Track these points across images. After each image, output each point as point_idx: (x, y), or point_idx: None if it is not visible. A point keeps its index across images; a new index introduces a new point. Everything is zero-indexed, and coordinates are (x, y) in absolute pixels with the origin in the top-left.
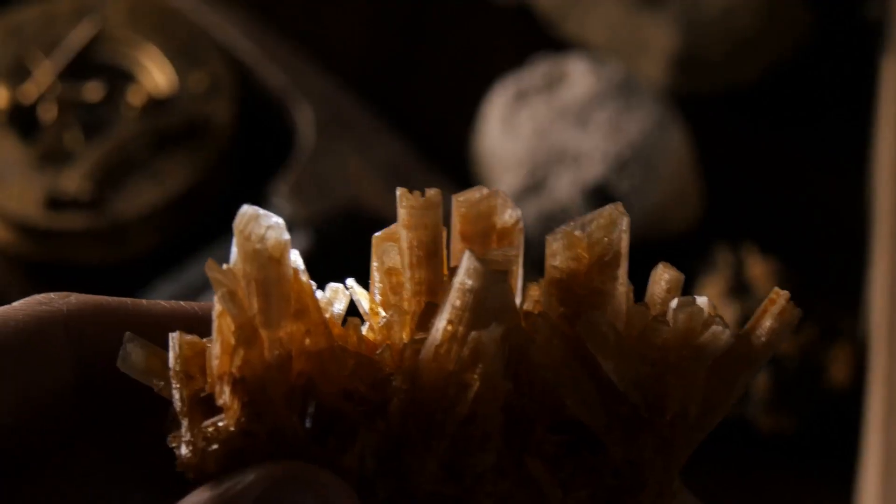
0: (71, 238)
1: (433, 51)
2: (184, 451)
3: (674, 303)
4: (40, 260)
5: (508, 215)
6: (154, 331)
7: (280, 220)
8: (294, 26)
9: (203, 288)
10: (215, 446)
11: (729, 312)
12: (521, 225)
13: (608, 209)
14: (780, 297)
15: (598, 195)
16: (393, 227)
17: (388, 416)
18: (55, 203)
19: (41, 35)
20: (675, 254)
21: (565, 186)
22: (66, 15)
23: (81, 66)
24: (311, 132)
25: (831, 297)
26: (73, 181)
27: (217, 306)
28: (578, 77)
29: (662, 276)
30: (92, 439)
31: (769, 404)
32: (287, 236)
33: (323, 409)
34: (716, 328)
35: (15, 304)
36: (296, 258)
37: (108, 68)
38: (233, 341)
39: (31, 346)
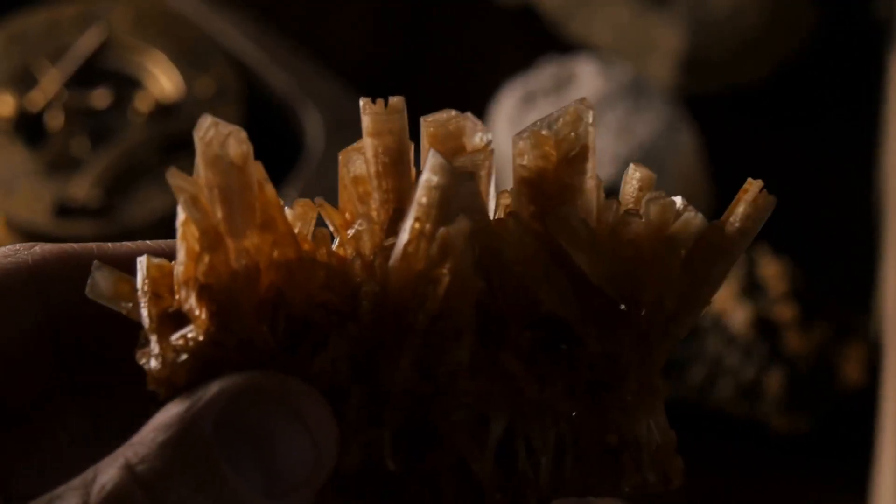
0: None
1: (437, 53)
2: (153, 364)
3: (646, 198)
4: None
5: (479, 137)
6: (123, 270)
7: (242, 130)
8: (297, 30)
9: None
10: (184, 356)
11: (743, 312)
12: (491, 147)
13: (573, 104)
14: (753, 185)
15: (609, 196)
16: (360, 141)
17: (359, 319)
18: (64, 210)
19: (46, 42)
20: None
21: None
22: (70, 22)
23: (88, 73)
24: (319, 137)
25: (844, 296)
26: (81, 188)
27: (180, 214)
28: (587, 78)
29: (634, 175)
30: (70, 393)
31: (783, 404)
32: (249, 146)
33: (293, 320)
34: (687, 214)
35: None
36: (260, 169)
37: (114, 75)
38: (197, 247)
39: None
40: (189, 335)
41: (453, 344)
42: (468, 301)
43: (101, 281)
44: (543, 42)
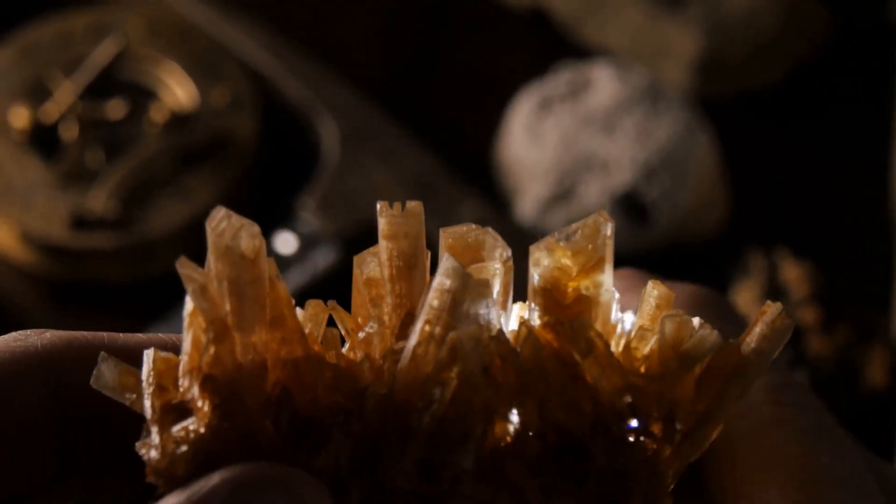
0: (97, 257)
1: (448, 59)
2: (153, 454)
3: (663, 315)
4: (66, 280)
5: (499, 253)
6: (130, 362)
7: (255, 225)
8: (309, 38)
9: None
10: (184, 448)
11: None
12: (510, 263)
13: (592, 217)
14: (772, 307)
15: (628, 202)
16: (375, 246)
17: (364, 418)
18: (81, 223)
19: (59, 54)
20: (706, 260)
21: (594, 194)
22: (82, 33)
23: (102, 85)
24: (335, 145)
25: (866, 298)
26: (99, 200)
27: (188, 304)
28: (604, 83)
29: (652, 293)
30: (75, 480)
31: None
32: (262, 241)
33: (298, 417)
34: (703, 332)
35: None
36: (272, 266)
37: (128, 86)
38: (203, 338)
39: (4, 381)
40: (190, 427)
41: (458, 448)
42: (475, 406)
43: (106, 372)
44: (555, 47)
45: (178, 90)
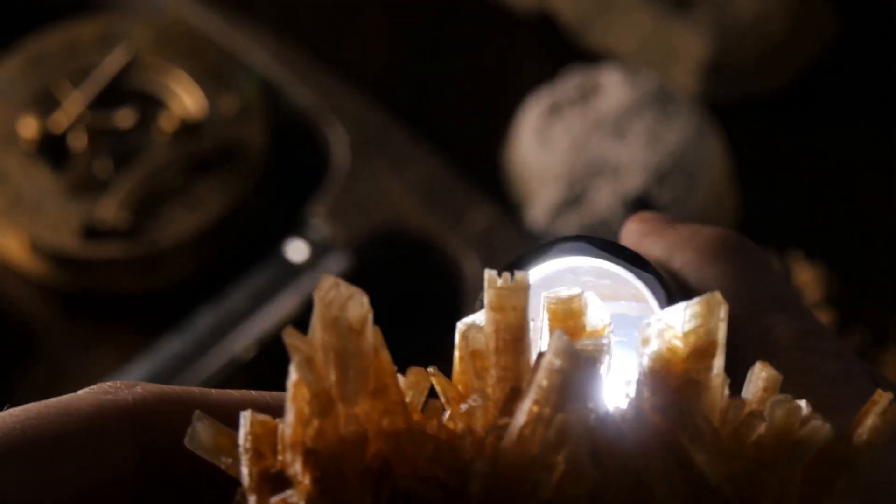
0: (108, 267)
1: (456, 65)
2: None
3: (771, 401)
4: (76, 290)
5: (599, 319)
6: (224, 421)
7: (364, 294)
8: (314, 45)
9: (246, 314)
10: None
11: None
12: (611, 328)
13: (706, 297)
14: (883, 397)
15: (640, 206)
16: (478, 312)
17: (468, 498)
18: (92, 232)
19: (66, 63)
20: None
21: (605, 199)
22: (89, 42)
23: (109, 94)
24: (345, 152)
25: (880, 300)
26: (109, 210)
27: (293, 375)
28: (613, 88)
29: (760, 375)
30: None
31: None
32: (370, 310)
33: (397, 492)
34: (815, 423)
35: (80, 392)
36: (377, 335)
37: (136, 95)
38: (307, 411)
39: (93, 437)
40: (290, 499)
41: None
42: (582, 491)
43: (202, 432)
44: (562, 51)
45: (186, 99)
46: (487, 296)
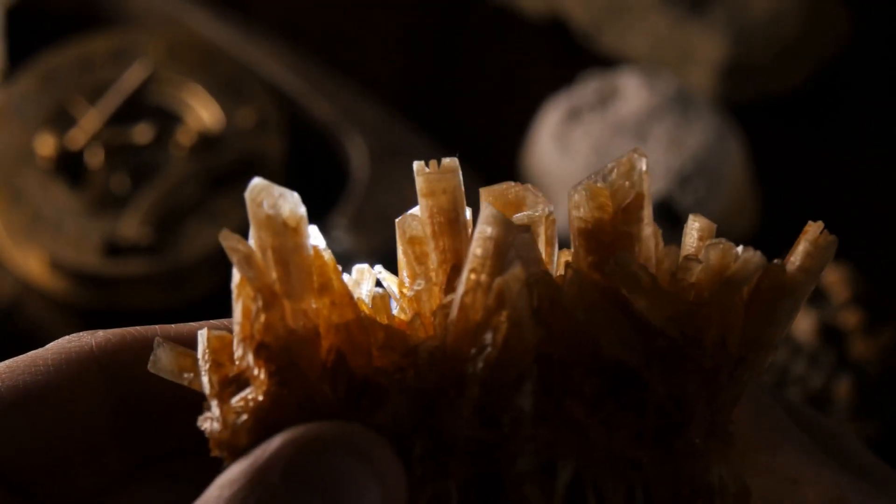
0: (130, 284)
1: (469, 71)
2: (214, 427)
3: (706, 244)
4: (97, 307)
5: (540, 209)
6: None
7: (295, 195)
8: (328, 55)
9: None
10: (245, 417)
11: (807, 320)
12: (553, 217)
13: (627, 154)
14: (813, 226)
15: (663, 210)
16: (416, 207)
17: (419, 372)
18: (114, 249)
19: (79, 79)
20: None
21: None
22: (102, 57)
23: (124, 109)
24: (364, 162)
25: None
26: (131, 226)
27: (235, 276)
28: (632, 91)
29: (693, 226)
30: (147, 473)
31: (852, 410)
32: (303, 209)
33: (354, 380)
34: (746, 254)
35: (47, 346)
36: (316, 235)
37: (151, 109)
38: (252, 307)
39: (63, 383)
40: (249, 396)
41: (515, 391)
42: (528, 348)
43: (162, 356)
44: (575, 55)
45: (202, 112)
46: (418, 184)
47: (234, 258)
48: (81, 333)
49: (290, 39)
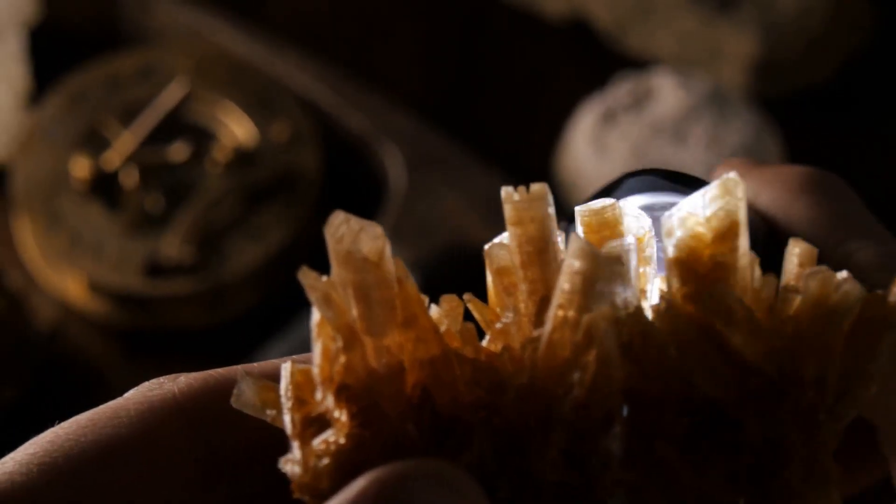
0: (172, 304)
1: (493, 77)
2: (295, 470)
3: (806, 273)
4: (139, 328)
5: (638, 227)
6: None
7: (377, 226)
8: (350, 65)
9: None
10: (326, 461)
11: None
12: (651, 234)
13: (723, 179)
14: None
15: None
16: (503, 234)
17: (504, 410)
18: (156, 269)
19: (109, 99)
20: None
21: None
22: (129, 76)
23: (156, 128)
24: (402, 173)
25: None
26: (173, 246)
27: (315, 315)
28: (667, 92)
29: (793, 251)
30: None
31: None
32: (385, 241)
33: (440, 418)
34: (846, 286)
35: (126, 394)
36: (399, 266)
37: (184, 127)
38: (332, 347)
39: (147, 436)
40: (330, 439)
41: (603, 433)
42: (615, 388)
43: (246, 390)
44: (599, 57)
45: (235, 128)
46: (506, 212)
47: (312, 297)
48: (162, 380)
49: (311, 50)
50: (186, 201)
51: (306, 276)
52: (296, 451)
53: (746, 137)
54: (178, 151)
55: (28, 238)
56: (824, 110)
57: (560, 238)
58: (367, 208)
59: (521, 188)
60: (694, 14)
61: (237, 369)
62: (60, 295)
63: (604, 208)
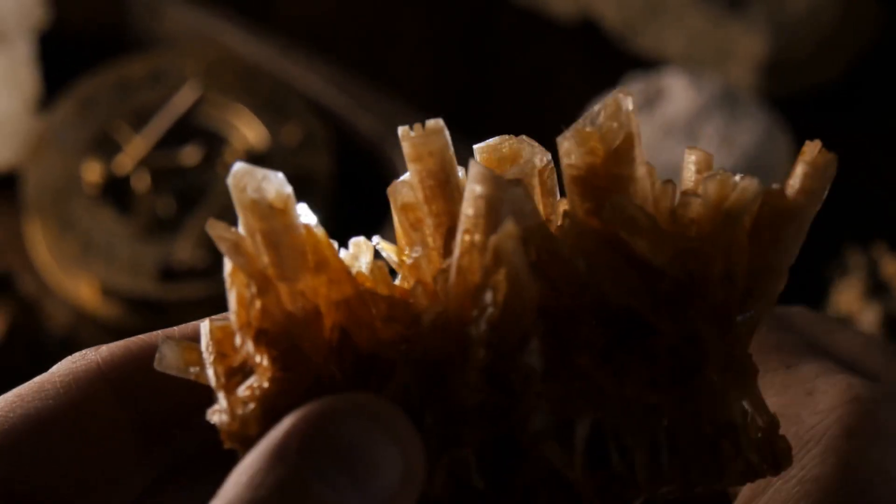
0: (184, 308)
1: (502, 78)
2: (223, 418)
3: (704, 177)
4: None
5: (538, 160)
6: None
7: (280, 174)
8: (357, 65)
9: None
10: (252, 406)
11: (871, 313)
12: (552, 166)
13: (612, 95)
14: (810, 146)
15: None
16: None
17: (422, 340)
18: (169, 273)
19: (118, 104)
20: (802, 261)
21: None
22: (139, 81)
23: (168, 133)
24: None
25: None
26: (186, 250)
27: (227, 265)
28: (678, 92)
29: (690, 159)
30: (175, 481)
31: None
32: (289, 188)
33: (361, 357)
34: (744, 182)
35: (51, 369)
36: (307, 213)
37: (194, 131)
38: (246, 294)
39: (74, 405)
40: (254, 384)
41: (521, 350)
42: (529, 305)
43: (168, 353)
44: (608, 57)
45: (246, 132)
46: (404, 149)
47: (222, 247)
48: (85, 351)
49: (318, 52)
50: (198, 205)
51: (214, 228)
52: (222, 401)
53: (757, 136)
54: (190, 155)
55: (40, 243)
56: (833, 109)
57: (462, 174)
58: (379, 210)
59: (418, 125)
60: (703, 14)
61: (157, 334)
62: (73, 299)
63: (501, 143)
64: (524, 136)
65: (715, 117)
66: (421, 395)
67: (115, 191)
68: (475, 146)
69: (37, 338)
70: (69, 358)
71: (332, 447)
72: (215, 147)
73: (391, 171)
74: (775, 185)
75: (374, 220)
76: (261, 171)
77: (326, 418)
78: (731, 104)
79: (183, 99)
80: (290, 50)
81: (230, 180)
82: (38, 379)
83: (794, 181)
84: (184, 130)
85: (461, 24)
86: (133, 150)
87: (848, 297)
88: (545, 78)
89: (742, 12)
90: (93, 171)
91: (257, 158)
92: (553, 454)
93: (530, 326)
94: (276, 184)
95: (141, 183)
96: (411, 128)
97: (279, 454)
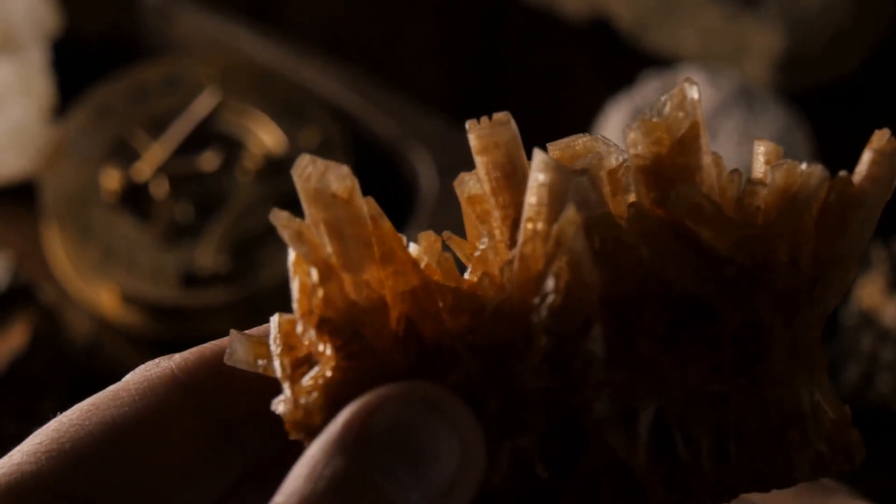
0: (207, 313)
1: (512, 77)
2: (287, 408)
3: (771, 166)
4: (175, 339)
5: (615, 158)
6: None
7: (344, 166)
8: (366, 65)
9: None
10: (315, 395)
11: (893, 308)
12: (627, 164)
13: (678, 85)
14: (878, 134)
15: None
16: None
17: (485, 328)
18: (192, 280)
19: (134, 110)
20: None
21: None
22: (154, 87)
23: (186, 139)
24: (433, 176)
25: None
26: (208, 256)
27: (290, 254)
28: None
29: (759, 150)
30: (247, 493)
31: None
32: (353, 179)
33: (426, 348)
34: (808, 169)
35: (125, 378)
36: (372, 204)
37: (212, 136)
38: (309, 282)
39: (150, 413)
40: (318, 374)
41: (583, 336)
42: (591, 291)
43: (238, 348)
44: (621, 56)
45: (264, 136)
46: (471, 142)
47: (285, 235)
48: (158, 360)
49: (330, 54)
50: (218, 211)
51: (278, 218)
52: (286, 391)
53: (776, 132)
54: (209, 161)
55: (60, 252)
56: (849, 104)
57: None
58: (398, 213)
59: (485, 117)
60: (717, 10)
61: (227, 340)
62: (94, 308)
63: (574, 140)
64: (601, 136)
65: (733, 114)
66: (484, 382)
67: (134, 198)
68: (548, 144)
69: (59, 346)
70: (143, 366)
71: (390, 436)
72: (233, 152)
73: (409, 172)
74: (842, 172)
75: (393, 222)
76: (324, 162)
77: (384, 407)
78: (748, 100)
79: (202, 104)
80: (305, 54)
81: (294, 170)
82: (112, 388)
83: (861, 168)
84: (202, 136)
85: (473, 25)
86: (151, 157)
87: (870, 292)
88: (559, 77)
89: (756, 8)
90: (111, 179)
91: (276, 163)
92: (616, 442)
93: (593, 313)
94: (339, 174)
95: (160, 189)
96: (478, 119)
97: (338, 445)
